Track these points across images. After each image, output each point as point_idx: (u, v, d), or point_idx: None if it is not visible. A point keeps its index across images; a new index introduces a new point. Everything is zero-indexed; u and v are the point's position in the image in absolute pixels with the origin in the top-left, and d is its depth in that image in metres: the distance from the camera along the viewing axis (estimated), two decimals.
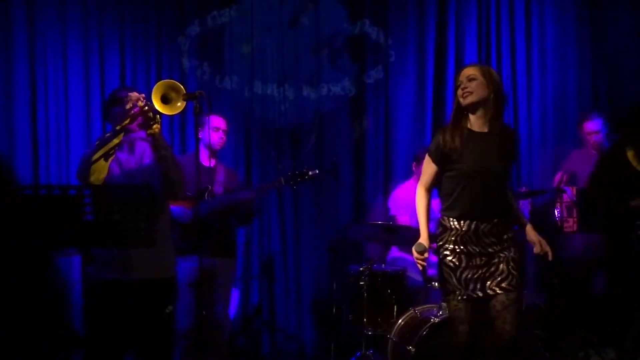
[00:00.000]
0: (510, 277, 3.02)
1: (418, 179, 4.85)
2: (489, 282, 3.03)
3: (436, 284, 4.09)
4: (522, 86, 5.46)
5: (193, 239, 3.73)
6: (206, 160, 3.91)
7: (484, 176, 3.04)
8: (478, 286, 3.03)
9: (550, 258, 3.11)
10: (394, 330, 4.04)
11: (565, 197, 4.66)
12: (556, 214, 4.80)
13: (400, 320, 4.07)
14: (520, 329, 3.07)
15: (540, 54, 5.47)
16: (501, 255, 3.04)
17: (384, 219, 4.84)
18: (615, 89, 5.42)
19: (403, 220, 4.74)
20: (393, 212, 4.90)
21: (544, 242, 3.12)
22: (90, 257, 2.75)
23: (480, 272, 3.04)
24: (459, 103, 3.09)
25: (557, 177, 4.90)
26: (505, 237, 3.07)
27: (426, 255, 3.11)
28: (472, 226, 3.04)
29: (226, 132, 4.13)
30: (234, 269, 4.24)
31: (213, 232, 3.92)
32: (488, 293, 3.03)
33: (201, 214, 3.89)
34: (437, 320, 3.84)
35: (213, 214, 3.89)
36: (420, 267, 3.13)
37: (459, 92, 3.07)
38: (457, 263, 3.06)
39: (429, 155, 3.18)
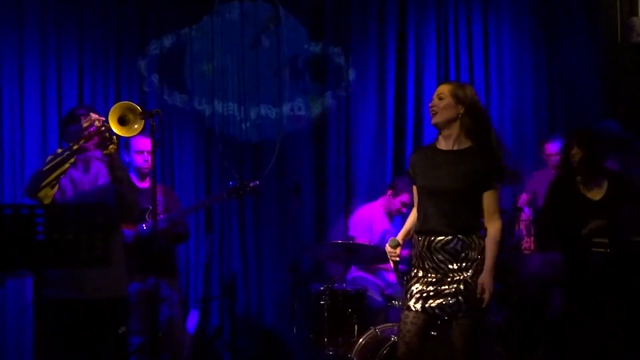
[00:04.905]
0: (454, 300, 2.96)
1: (384, 203, 4.93)
2: (430, 301, 2.99)
3: (396, 302, 4.10)
4: None
5: (136, 260, 3.70)
6: (137, 182, 3.96)
7: (437, 193, 3.02)
8: (420, 300, 3.00)
9: (483, 305, 2.96)
10: (355, 349, 4.03)
11: (523, 216, 4.73)
12: (515, 233, 4.86)
13: (361, 340, 4.05)
14: (474, 355, 3.03)
15: (498, 76, 5.57)
16: (455, 277, 2.98)
17: (344, 238, 4.84)
18: (571, 109, 5.54)
19: (361, 241, 4.75)
20: (352, 232, 4.90)
21: (485, 288, 2.95)
22: (43, 279, 2.69)
23: (429, 288, 3.01)
24: None
25: (522, 197, 4.96)
26: (462, 256, 2.99)
27: (398, 250, 3.08)
28: (426, 241, 3.03)
29: (150, 153, 4.08)
30: (179, 287, 4.29)
31: (157, 251, 3.88)
32: (427, 311, 2.99)
33: (144, 234, 3.90)
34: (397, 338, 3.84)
35: (156, 234, 3.83)
36: (392, 263, 3.10)
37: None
38: (413, 275, 3.06)
39: (408, 176, 3.20)
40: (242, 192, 4.15)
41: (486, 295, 2.95)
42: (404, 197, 4.82)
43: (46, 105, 4.90)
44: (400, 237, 3.17)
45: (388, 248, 3.10)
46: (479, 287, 2.96)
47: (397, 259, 3.10)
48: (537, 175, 5.08)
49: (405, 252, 3.33)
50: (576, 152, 4.01)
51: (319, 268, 5.20)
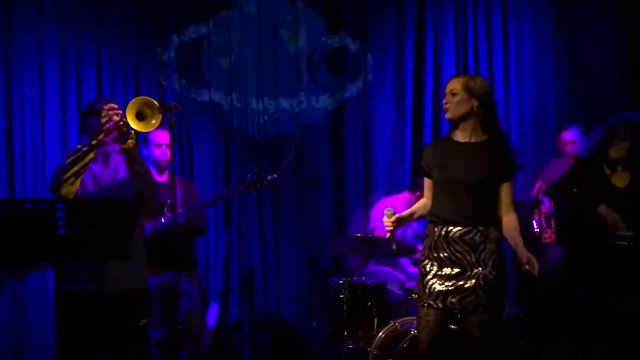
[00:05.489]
0: (474, 296, 2.96)
1: (409, 199, 4.91)
2: (451, 297, 2.98)
3: (415, 295, 4.08)
4: (500, 99, 5.49)
5: (156, 254, 3.71)
6: (155, 176, 3.96)
7: (454, 185, 3.02)
8: (441, 297, 3.00)
9: (536, 272, 2.96)
10: (375, 343, 4.02)
11: (543, 208, 4.69)
12: (535, 225, 4.83)
13: (380, 333, 4.04)
14: (491, 349, 3.01)
15: (518, 67, 5.52)
16: (474, 271, 2.98)
17: (364, 231, 4.83)
18: (592, 99, 5.48)
19: (381, 234, 4.73)
20: (373, 224, 4.89)
21: (532, 258, 2.97)
22: (64, 272, 2.70)
23: (448, 283, 3.00)
24: None
25: (537, 186, 4.93)
26: (481, 247, 2.99)
27: (393, 219, 3.08)
28: (443, 231, 3.03)
29: (168, 146, 4.09)
30: (199, 280, 4.28)
31: (176, 245, 3.89)
32: (447, 306, 2.99)
33: (163, 227, 3.92)
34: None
35: (175, 228, 3.83)
36: (387, 232, 3.09)
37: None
38: (428, 269, 3.05)
39: (421, 169, 3.21)
40: (259, 185, 4.15)
41: (535, 263, 2.95)
42: None
43: (66, 99, 4.92)
44: (403, 214, 3.17)
45: (384, 218, 3.13)
46: (525, 260, 2.94)
47: (392, 227, 3.10)
48: (554, 164, 5.05)
49: (400, 231, 3.33)
50: (623, 143, 4.00)
51: (338, 261, 5.19)
